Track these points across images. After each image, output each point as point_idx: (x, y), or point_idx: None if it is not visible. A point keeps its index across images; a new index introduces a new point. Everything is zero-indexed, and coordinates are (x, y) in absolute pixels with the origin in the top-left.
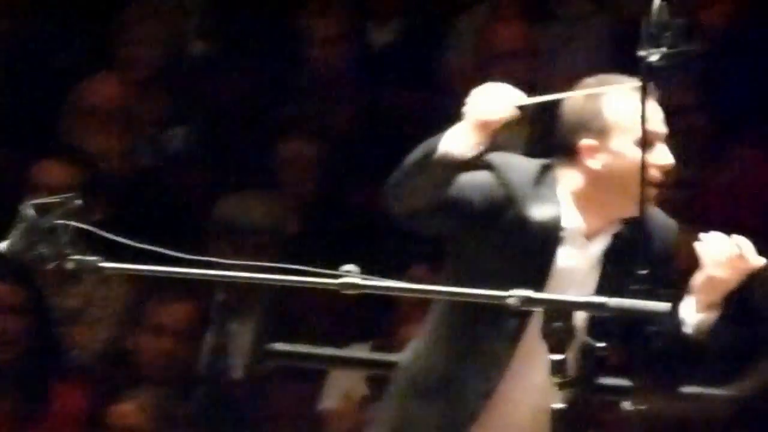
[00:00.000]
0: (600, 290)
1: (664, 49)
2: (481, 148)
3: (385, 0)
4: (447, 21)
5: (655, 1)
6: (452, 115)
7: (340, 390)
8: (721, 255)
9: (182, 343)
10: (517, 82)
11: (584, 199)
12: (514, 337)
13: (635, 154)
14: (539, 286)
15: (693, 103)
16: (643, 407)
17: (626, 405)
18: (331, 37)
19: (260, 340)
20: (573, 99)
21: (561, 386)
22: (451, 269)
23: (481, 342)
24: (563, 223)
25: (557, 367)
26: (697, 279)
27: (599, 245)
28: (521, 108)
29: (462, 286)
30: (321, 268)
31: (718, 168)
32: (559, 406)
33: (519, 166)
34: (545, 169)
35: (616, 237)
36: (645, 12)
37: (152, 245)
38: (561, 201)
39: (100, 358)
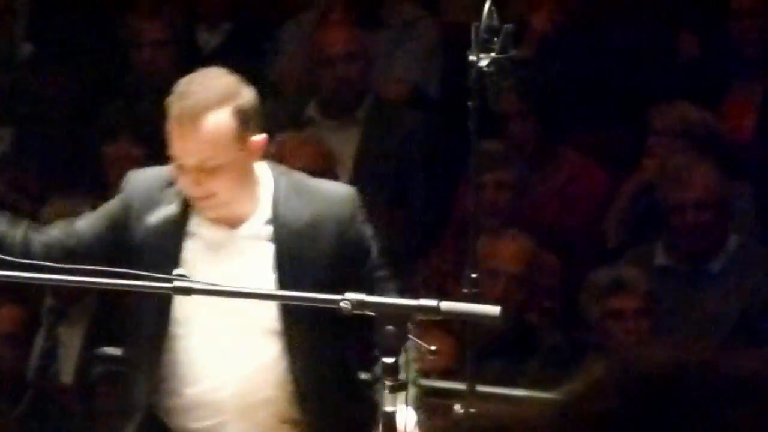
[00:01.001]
0: (278, 267)
1: (493, 54)
2: None
3: (213, 4)
4: (275, 25)
5: (486, 6)
6: (280, 119)
7: None
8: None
9: (11, 348)
10: (347, 86)
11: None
12: (163, 315)
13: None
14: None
15: (520, 108)
16: (472, 410)
17: (457, 408)
18: (159, 39)
19: (90, 345)
20: None
21: (392, 389)
22: None
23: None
24: (192, 216)
25: (389, 370)
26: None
27: (247, 229)
28: None
29: None
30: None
31: (546, 172)
32: (390, 408)
33: (145, 178)
34: None
35: (277, 218)
36: (475, 17)
37: None
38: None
39: None
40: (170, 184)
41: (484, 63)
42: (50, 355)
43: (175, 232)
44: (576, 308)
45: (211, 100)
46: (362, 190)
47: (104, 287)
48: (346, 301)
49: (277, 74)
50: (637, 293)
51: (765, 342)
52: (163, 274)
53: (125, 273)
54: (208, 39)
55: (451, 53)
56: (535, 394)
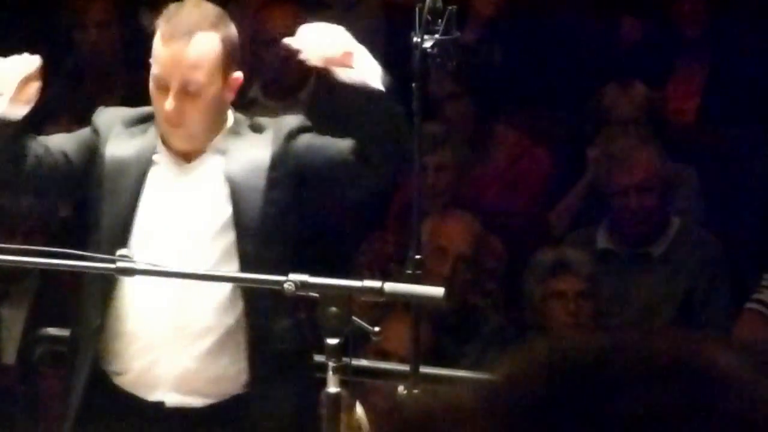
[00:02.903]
0: (233, 201)
1: (437, 36)
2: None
3: None
4: (218, 6)
5: None
6: None
7: None
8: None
9: None
10: (290, 67)
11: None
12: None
13: (153, 90)
14: (132, 208)
15: (456, 90)
16: (415, 391)
17: (400, 389)
18: (103, 20)
19: (32, 325)
20: None
21: (336, 371)
22: None
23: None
24: (156, 151)
25: (333, 352)
26: None
27: (201, 163)
28: None
29: None
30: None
31: (487, 154)
32: (334, 390)
33: (115, 114)
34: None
35: (231, 153)
36: None
37: None
38: (154, 134)
39: None
40: (140, 121)
41: (427, 45)
42: None
43: (140, 163)
44: (519, 290)
45: (203, 23)
46: None
47: (48, 267)
48: (290, 282)
49: None
50: (581, 275)
51: (706, 325)
52: (124, 204)
53: (69, 254)
54: (151, 20)
55: (395, 35)
56: (477, 375)
